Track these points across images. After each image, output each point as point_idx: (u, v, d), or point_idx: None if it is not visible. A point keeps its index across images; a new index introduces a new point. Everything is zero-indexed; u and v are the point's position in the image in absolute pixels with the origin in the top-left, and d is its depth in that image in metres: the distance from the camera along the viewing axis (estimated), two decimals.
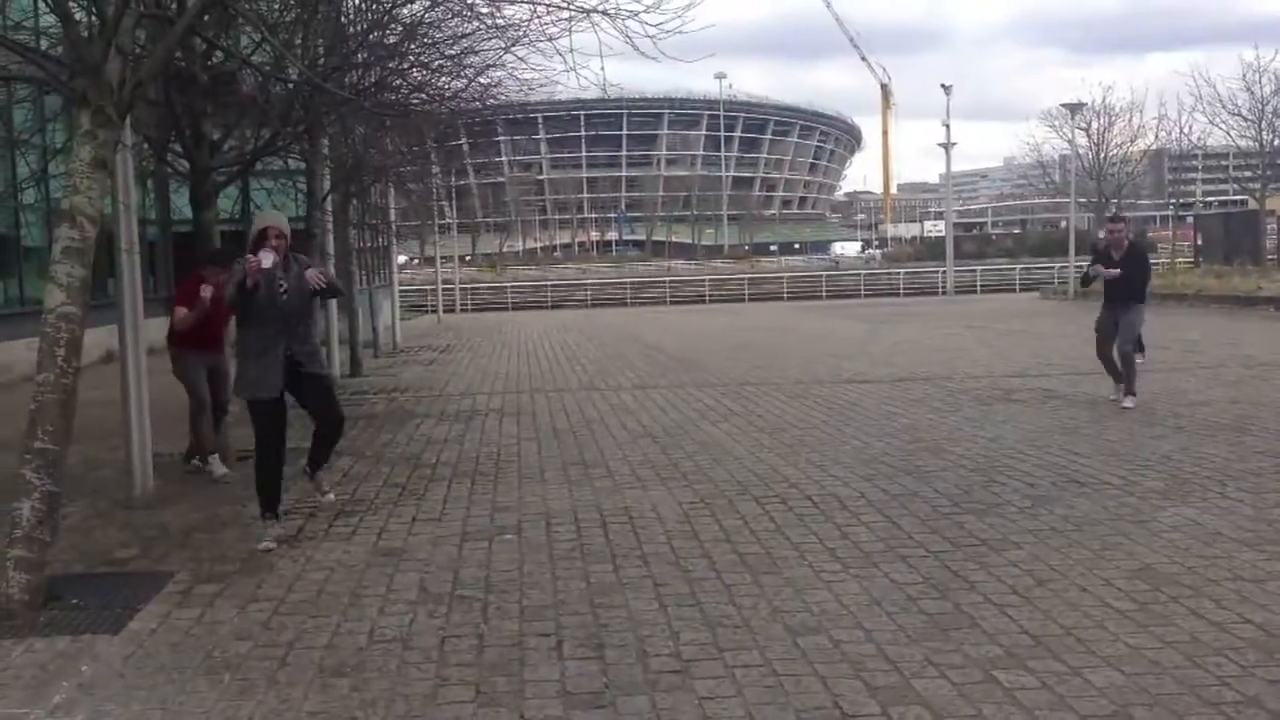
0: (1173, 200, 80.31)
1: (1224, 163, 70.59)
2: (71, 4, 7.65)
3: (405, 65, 13.85)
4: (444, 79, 15.25)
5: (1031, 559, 6.67)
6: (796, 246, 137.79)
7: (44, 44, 10.72)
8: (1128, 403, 12.52)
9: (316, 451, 8.22)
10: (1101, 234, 13.00)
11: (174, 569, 7.02)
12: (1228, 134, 47.82)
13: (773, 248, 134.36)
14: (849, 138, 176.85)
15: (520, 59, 13.60)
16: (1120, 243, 12.83)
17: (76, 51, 7.01)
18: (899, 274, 64.86)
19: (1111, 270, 12.56)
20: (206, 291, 9.73)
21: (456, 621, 5.87)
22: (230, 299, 7.56)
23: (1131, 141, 55.94)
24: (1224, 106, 46.30)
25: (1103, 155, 54.55)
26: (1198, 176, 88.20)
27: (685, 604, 6.03)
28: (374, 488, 9.36)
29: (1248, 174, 55.41)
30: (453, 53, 13.98)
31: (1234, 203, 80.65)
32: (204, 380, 10.16)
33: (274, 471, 7.69)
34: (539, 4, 10.66)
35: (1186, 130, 53.61)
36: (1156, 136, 57.00)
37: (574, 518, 8.15)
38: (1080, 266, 26.26)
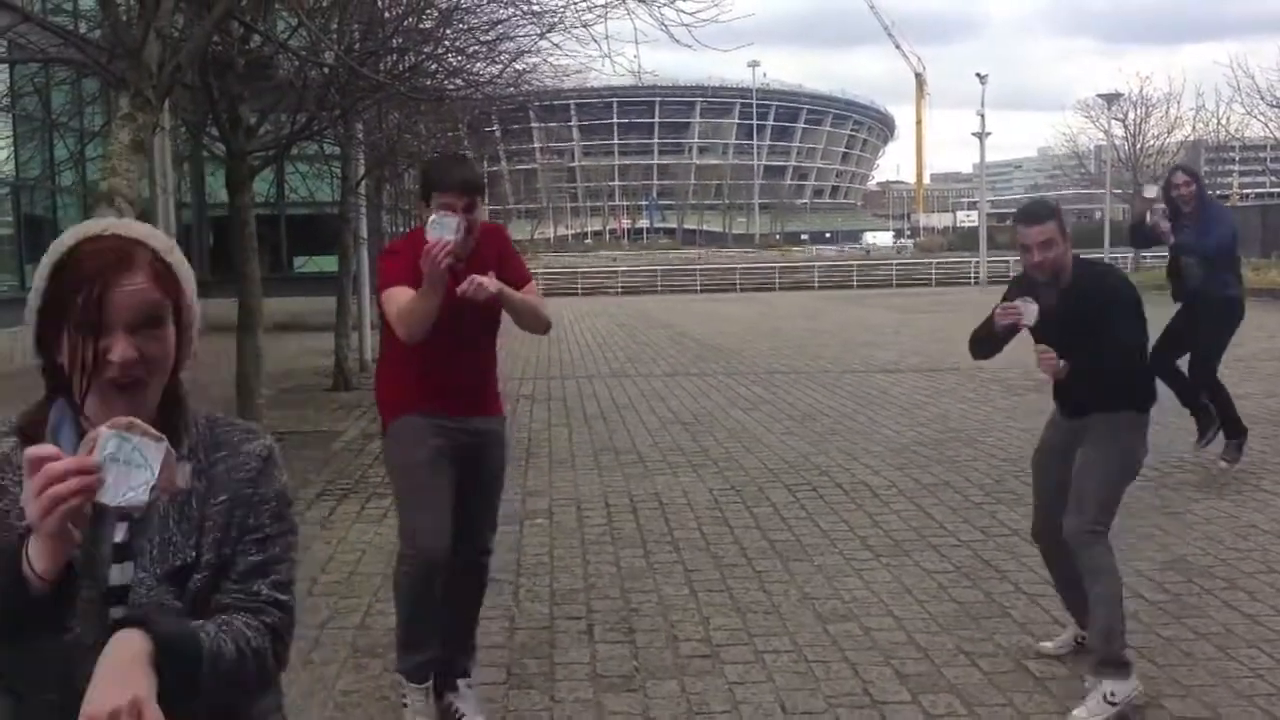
0: (1211, 192, 79.84)
1: (1261, 154, 69.76)
2: None
3: (440, 50, 13.86)
4: (479, 64, 15.25)
5: None
6: (828, 236, 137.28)
7: (82, 27, 10.80)
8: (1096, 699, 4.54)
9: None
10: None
11: None
12: (1266, 125, 47.22)
13: (804, 237, 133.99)
14: (882, 127, 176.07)
15: (555, 45, 13.62)
16: (1054, 267, 4.80)
17: (116, 35, 7.06)
18: (931, 264, 64.51)
19: (1017, 316, 4.84)
20: (447, 227, 3.95)
21: (487, 604, 5.86)
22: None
23: (1169, 132, 55.36)
24: (1262, 97, 45.71)
25: (1139, 146, 54.06)
26: (1235, 169, 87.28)
27: (715, 589, 6.05)
28: None
29: None
30: (488, 38, 13.97)
31: (1271, 195, 79.85)
32: (434, 488, 4.35)
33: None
34: None
35: (1224, 121, 53.07)
36: (1194, 128, 56.40)
37: (605, 503, 8.18)
38: (1117, 258, 24.20)
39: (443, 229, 3.87)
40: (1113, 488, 4.83)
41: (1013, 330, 4.95)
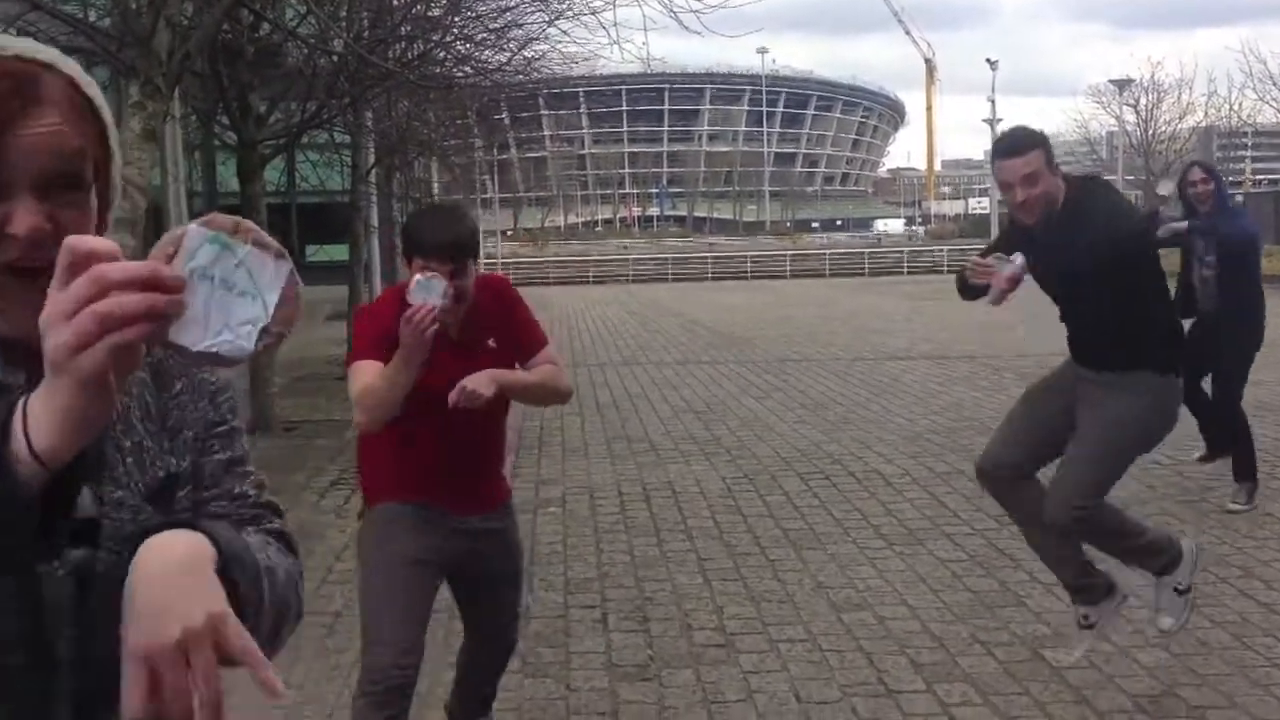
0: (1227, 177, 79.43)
1: (1274, 140, 69.52)
2: None
3: (449, 38, 13.85)
4: (487, 52, 15.26)
5: None
6: (839, 223, 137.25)
7: (92, 15, 10.78)
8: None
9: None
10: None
11: None
12: (1278, 111, 47.09)
13: (815, 224, 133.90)
14: (892, 114, 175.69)
15: (564, 32, 13.62)
16: (1042, 206, 4.06)
17: (126, 23, 7.05)
18: (942, 251, 64.39)
19: (999, 269, 4.07)
20: (434, 290, 3.17)
21: None
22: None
23: (1180, 118, 55.24)
24: (1274, 83, 45.54)
25: (1150, 132, 53.95)
26: (1247, 155, 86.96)
27: (729, 578, 6.03)
28: None
29: None
30: (496, 26, 13.98)
31: None
32: (403, 594, 3.44)
33: None
34: None
35: (1236, 107, 52.95)
36: (1206, 114, 56.27)
37: (618, 491, 8.17)
38: None
39: (428, 292, 3.14)
40: (1107, 464, 4.22)
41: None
